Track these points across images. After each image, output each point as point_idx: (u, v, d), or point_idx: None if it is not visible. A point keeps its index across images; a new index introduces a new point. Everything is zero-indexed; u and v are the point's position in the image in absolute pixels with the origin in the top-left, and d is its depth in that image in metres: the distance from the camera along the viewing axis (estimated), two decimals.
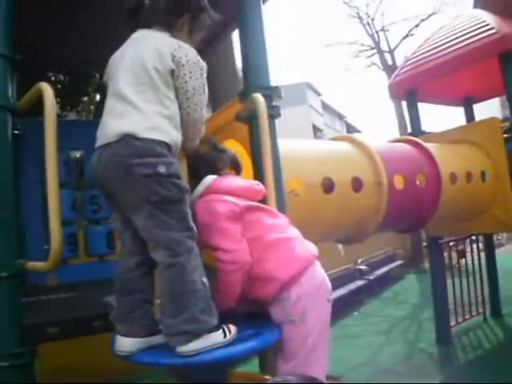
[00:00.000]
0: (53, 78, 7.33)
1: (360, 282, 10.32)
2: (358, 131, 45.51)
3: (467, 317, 7.09)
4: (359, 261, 11.00)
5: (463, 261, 7.97)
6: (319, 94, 38.58)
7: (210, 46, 3.99)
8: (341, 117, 44.41)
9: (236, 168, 2.57)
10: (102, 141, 1.95)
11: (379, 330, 7.73)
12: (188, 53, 2.07)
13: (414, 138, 5.23)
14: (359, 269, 10.76)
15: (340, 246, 9.81)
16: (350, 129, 44.72)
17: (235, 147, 3.17)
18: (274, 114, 2.99)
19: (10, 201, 2.41)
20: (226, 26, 3.73)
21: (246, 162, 2.92)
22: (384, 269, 11.64)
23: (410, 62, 6.65)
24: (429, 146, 5.05)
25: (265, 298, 2.18)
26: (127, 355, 1.95)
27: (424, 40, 6.89)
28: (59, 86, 7.27)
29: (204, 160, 2.39)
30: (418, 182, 4.72)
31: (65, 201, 2.95)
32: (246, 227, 2.16)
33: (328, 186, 3.92)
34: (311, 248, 2.30)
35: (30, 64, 3.48)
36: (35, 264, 2.34)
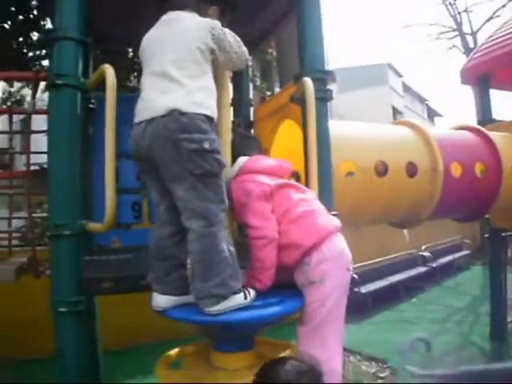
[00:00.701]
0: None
1: (422, 269, 10.23)
2: (439, 115, 44.09)
3: None
4: (423, 247, 10.88)
5: None
6: (400, 76, 37.51)
7: (279, 26, 4.07)
8: (422, 100, 43.04)
9: (260, 151, 2.74)
10: (145, 115, 2.11)
11: (435, 318, 7.69)
12: (221, 27, 2.23)
13: (476, 126, 5.13)
14: (422, 255, 10.65)
15: (405, 230, 9.76)
16: (431, 112, 43.34)
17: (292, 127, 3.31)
18: (325, 97, 3.09)
19: (76, 167, 2.68)
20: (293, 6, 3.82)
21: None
22: (449, 257, 11.44)
23: (484, 46, 6.37)
24: (493, 134, 4.94)
25: (290, 264, 2.33)
26: (162, 310, 2.17)
27: (502, 23, 6.63)
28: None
29: (233, 147, 2.54)
30: (476, 171, 4.65)
31: (130, 171, 3.11)
32: (276, 204, 2.33)
33: (381, 170, 3.97)
34: (333, 220, 2.45)
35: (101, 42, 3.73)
36: (94, 225, 2.63)
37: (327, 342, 2.24)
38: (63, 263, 2.59)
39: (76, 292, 2.55)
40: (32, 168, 4.22)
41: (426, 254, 10.70)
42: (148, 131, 2.08)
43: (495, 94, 6.54)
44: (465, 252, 12.35)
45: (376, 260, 9.11)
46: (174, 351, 2.58)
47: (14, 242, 5.54)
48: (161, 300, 2.17)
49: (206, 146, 2.04)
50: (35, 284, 3.86)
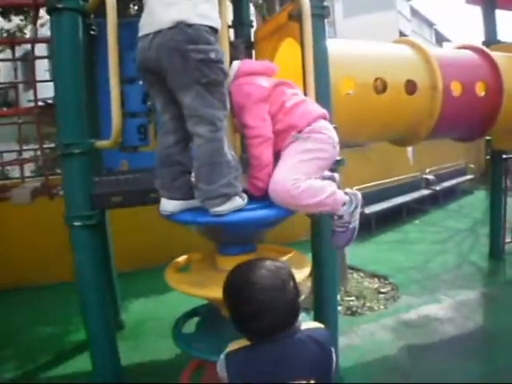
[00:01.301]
0: None
1: (426, 192, 10.39)
2: (448, 40, 43.12)
3: None
4: (427, 170, 10.98)
5: None
6: None
7: None
8: (430, 24, 41.99)
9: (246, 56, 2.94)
10: (151, 28, 2.17)
11: (436, 239, 7.91)
12: None
13: (479, 46, 5.10)
14: (426, 178, 10.77)
15: (410, 153, 9.85)
16: (440, 37, 42.38)
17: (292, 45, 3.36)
18: (322, 13, 3.14)
19: (81, 89, 2.79)
20: None
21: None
22: (452, 181, 11.58)
23: None
24: (496, 55, 4.92)
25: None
26: (170, 214, 2.33)
27: None
28: None
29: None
30: (477, 91, 4.67)
31: (135, 95, 3.24)
32: (272, 101, 2.45)
33: (380, 87, 4.03)
34: (322, 108, 2.60)
35: None
36: (102, 143, 2.79)
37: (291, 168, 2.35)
38: (75, 180, 2.76)
39: (88, 206, 2.74)
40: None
41: (430, 177, 10.80)
42: (155, 43, 2.14)
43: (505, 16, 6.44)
44: (469, 176, 12.43)
45: (380, 182, 9.24)
46: (182, 258, 2.77)
47: (27, 173, 5.72)
48: (168, 205, 2.32)
49: (212, 56, 2.13)
50: (50, 205, 4.04)
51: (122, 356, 3.32)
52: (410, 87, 4.23)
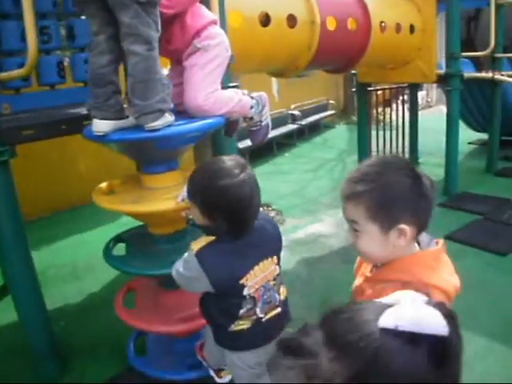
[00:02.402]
0: None
1: (292, 126, 10.95)
2: None
3: None
4: (292, 106, 11.52)
5: (388, 116, 8.50)
6: None
7: None
8: None
9: None
10: None
11: (307, 168, 8.48)
12: None
13: None
14: (292, 114, 11.31)
15: (275, 90, 10.26)
16: None
17: None
18: None
19: None
20: None
21: None
22: (316, 116, 12.25)
23: None
24: None
25: (184, 49, 2.62)
26: (103, 135, 2.38)
27: None
28: None
29: None
30: (349, 26, 5.06)
31: (12, 32, 3.07)
32: None
33: (265, 20, 4.23)
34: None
35: None
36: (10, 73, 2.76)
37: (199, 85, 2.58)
38: None
39: None
40: None
41: (296, 112, 11.38)
42: None
43: None
44: (330, 112, 13.20)
45: None
46: (103, 184, 2.79)
47: None
48: (102, 125, 2.36)
49: None
50: None
51: (14, 316, 3.38)
52: (291, 21, 4.47)
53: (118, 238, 2.96)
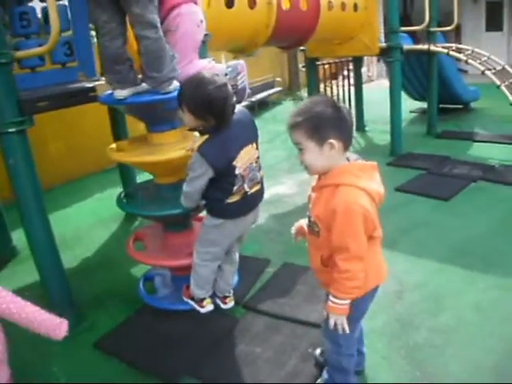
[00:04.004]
0: None
1: (243, 103, 11.34)
2: None
3: None
4: None
5: (335, 89, 9.07)
6: None
7: None
8: None
9: None
10: None
11: (262, 141, 8.76)
12: None
13: None
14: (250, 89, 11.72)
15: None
16: None
17: None
18: None
19: None
20: None
21: None
22: (264, 93, 12.78)
23: None
24: None
25: (165, 14, 3.05)
26: (123, 99, 2.90)
27: None
28: None
29: None
30: (301, 6, 5.61)
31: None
32: None
33: (229, 1, 4.70)
34: None
35: None
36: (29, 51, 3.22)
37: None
38: (2, 89, 2.93)
39: (18, 113, 2.99)
40: None
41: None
42: None
43: None
44: (277, 89, 13.73)
45: None
46: (113, 145, 3.25)
47: None
48: (123, 92, 2.89)
49: None
50: None
51: (23, 279, 3.88)
52: (252, 2, 4.96)
53: (126, 193, 3.42)
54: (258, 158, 2.82)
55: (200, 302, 3.09)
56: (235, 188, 2.68)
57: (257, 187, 2.84)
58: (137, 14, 2.70)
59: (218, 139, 2.58)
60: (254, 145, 2.78)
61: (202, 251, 2.91)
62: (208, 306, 3.11)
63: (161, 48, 2.80)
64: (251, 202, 2.85)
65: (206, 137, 2.58)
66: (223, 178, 2.64)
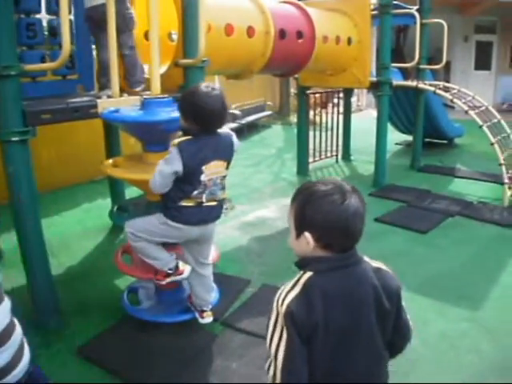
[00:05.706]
0: None
1: (233, 125, 11.54)
2: None
3: (323, 157, 8.91)
4: (233, 106, 12.14)
5: (324, 117, 9.28)
6: None
7: None
8: None
9: None
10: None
11: (249, 163, 9.12)
12: None
13: (297, 2, 6.27)
14: (233, 113, 11.91)
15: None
16: None
17: None
18: None
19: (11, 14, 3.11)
20: None
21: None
22: (254, 116, 12.99)
23: None
24: (309, 9, 6.15)
25: None
26: (125, 118, 3.26)
27: None
28: None
29: None
30: (297, 38, 5.81)
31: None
32: None
33: (229, 30, 4.90)
34: None
35: None
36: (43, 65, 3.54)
37: None
38: (10, 100, 3.06)
39: (22, 123, 3.13)
40: None
41: (237, 111, 12.00)
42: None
43: None
44: (267, 112, 13.98)
45: None
46: (109, 161, 3.45)
47: None
48: (106, 103, 3.38)
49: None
50: None
51: (11, 281, 3.85)
52: (250, 32, 5.18)
53: (119, 206, 3.57)
54: (224, 177, 3.02)
55: (201, 312, 3.31)
56: (195, 193, 2.89)
57: (213, 203, 3.00)
58: (123, 41, 3.49)
59: (197, 142, 2.83)
60: (225, 164, 2.98)
61: (135, 233, 3.05)
62: (207, 318, 3.33)
63: (135, 60, 3.76)
64: (204, 213, 3.00)
65: (187, 137, 2.84)
66: (188, 178, 2.84)
